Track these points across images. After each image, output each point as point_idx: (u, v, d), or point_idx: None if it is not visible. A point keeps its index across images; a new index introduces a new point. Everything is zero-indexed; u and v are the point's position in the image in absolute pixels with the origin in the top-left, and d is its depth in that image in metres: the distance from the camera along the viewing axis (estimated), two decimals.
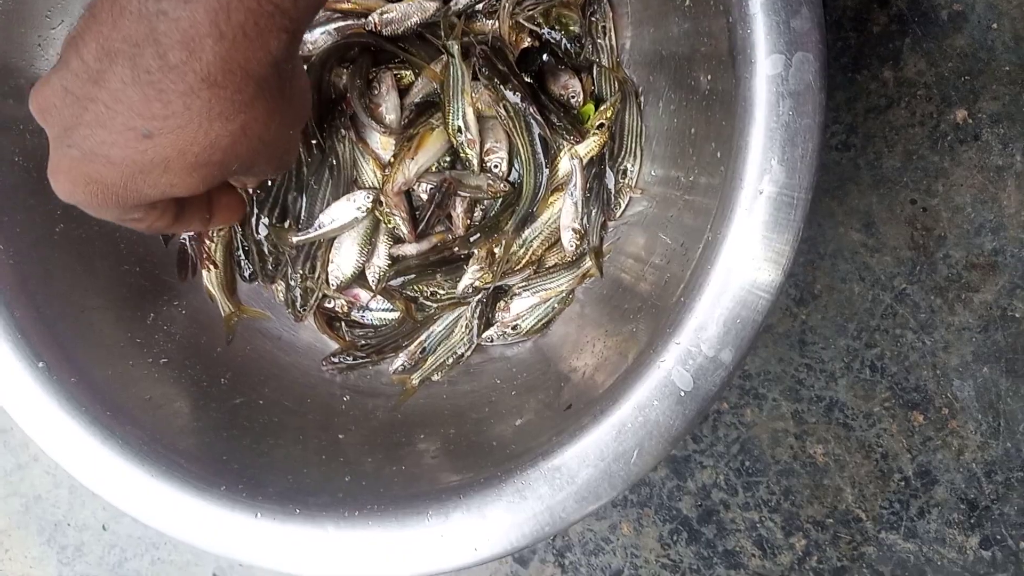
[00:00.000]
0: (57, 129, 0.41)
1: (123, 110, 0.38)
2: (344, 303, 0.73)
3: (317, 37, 0.70)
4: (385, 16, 0.68)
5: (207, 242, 0.72)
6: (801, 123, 0.53)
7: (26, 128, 0.63)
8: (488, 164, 0.70)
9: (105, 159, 0.39)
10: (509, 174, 0.71)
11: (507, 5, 0.66)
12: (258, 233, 0.72)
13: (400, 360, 0.71)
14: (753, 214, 0.52)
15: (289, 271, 0.71)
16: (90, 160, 0.40)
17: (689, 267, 0.57)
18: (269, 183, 0.70)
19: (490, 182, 0.69)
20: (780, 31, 0.52)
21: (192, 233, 0.72)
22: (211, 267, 0.73)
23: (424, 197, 0.71)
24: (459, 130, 0.68)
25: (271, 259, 0.73)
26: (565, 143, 0.68)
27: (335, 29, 0.70)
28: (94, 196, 0.41)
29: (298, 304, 0.71)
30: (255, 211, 0.71)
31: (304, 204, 0.71)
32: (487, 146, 0.70)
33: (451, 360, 0.71)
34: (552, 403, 0.61)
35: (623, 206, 0.69)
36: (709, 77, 0.59)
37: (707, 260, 0.54)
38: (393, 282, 0.70)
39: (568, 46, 0.69)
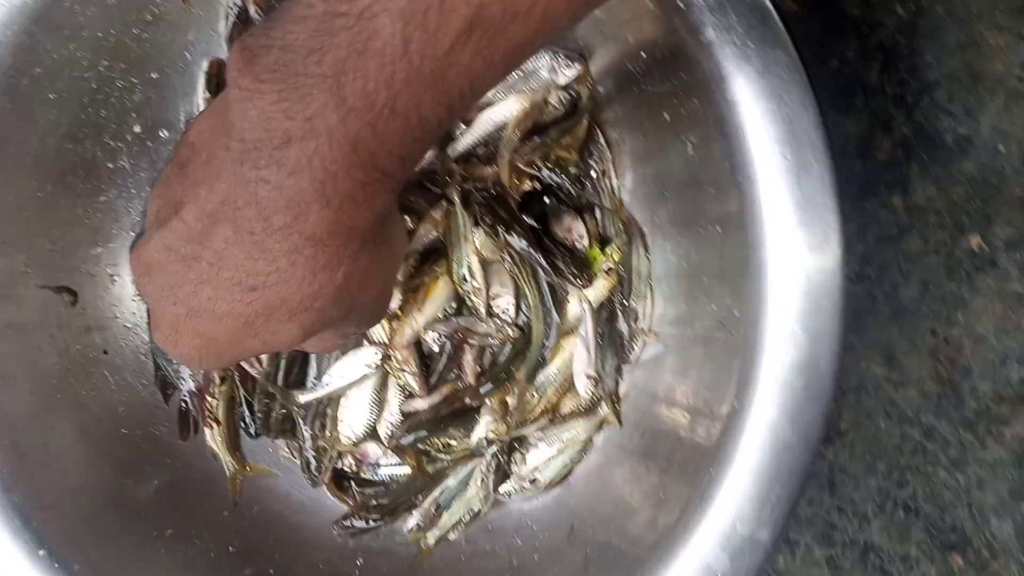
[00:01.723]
0: (160, 287, 0.41)
1: (228, 267, 0.38)
2: (353, 461, 0.70)
3: None
4: None
5: (208, 399, 0.70)
6: (823, 287, 0.52)
7: None
8: (495, 310, 0.68)
9: (210, 314, 0.40)
10: (517, 317, 0.69)
11: (505, 153, 0.65)
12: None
13: (414, 518, 0.68)
14: (780, 390, 0.51)
15: (300, 431, 0.69)
16: (195, 315, 0.40)
17: (715, 429, 0.55)
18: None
19: (499, 328, 0.68)
20: (796, 184, 0.51)
21: (193, 389, 0.70)
22: (213, 424, 0.70)
23: (435, 347, 0.69)
24: (464, 279, 0.66)
25: (276, 413, 0.70)
26: (573, 287, 0.66)
27: None
28: (198, 350, 0.42)
29: (313, 468, 0.68)
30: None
31: (313, 360, 0.69)
32: (493, 291, 0.68)
33: (468, 517, 0.68)
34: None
35: (638, 350, 0.67)
36: (718, 228, 0.58)
37: (735, 430, 0.52)
38: (404, 439, 0.67)
39: (569, 188, 0.68)
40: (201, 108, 0.69)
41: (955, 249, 0.69)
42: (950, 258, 0.69)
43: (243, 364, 0.70)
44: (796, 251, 0.51)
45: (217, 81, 0.68)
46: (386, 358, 0.67)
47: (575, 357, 0.67)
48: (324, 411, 0.68)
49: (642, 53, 0.59)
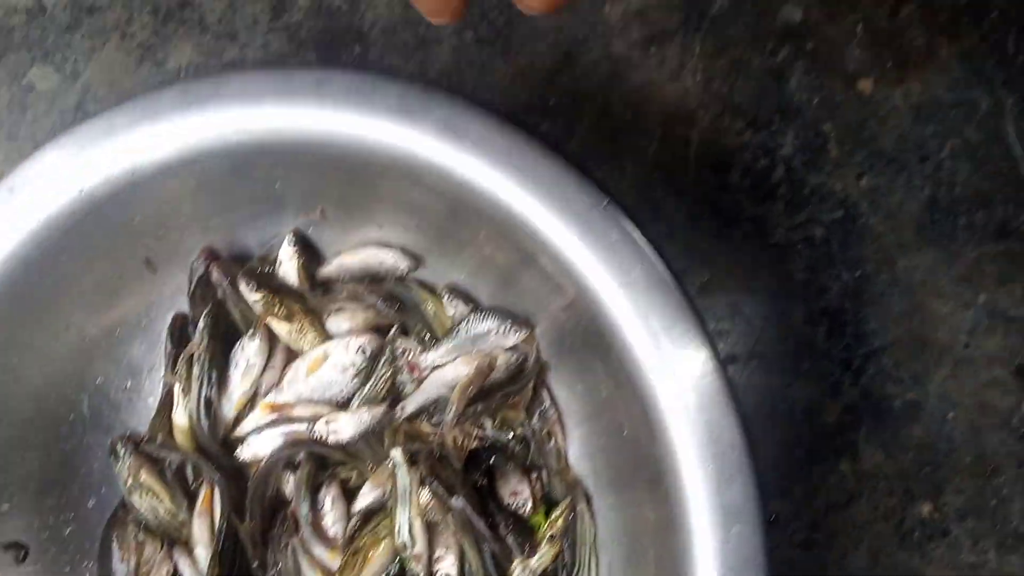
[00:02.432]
0: None
1: None
2: None
3: (264, 442, 0.70)
4: (331, 425, 0.68)
5: None
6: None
7: None
8: (437, 573, 0.67)
9: None
10: None
11: (451, 419, 0.66)
12: None
13: None
14: None
15: None
16: None
17: None
18: None
19: None
20: (714, 506, 0.52)
21: None
22: None
23: None
24: (405, 545, 0.66)
25: None
26: (516, 555, 0.66)
27: (280, 433, 0.70)
28: None
29: None
30: None
31: None
32: (436, 554, 0.67)
33: None
34: None
35: None
36: (651, 515, 0.58)
37: None
38: None
39: (515, 448, 0.68)
40: (163, 359, 0.71)
41: (906, 517, 0.68)
42: (900, 526, 0.68)
43: None
44: (722, 563, 0.51)
45: (180, 334, 0.71)
46: None
47: None
48: None
49: (577, 333, 0.61)
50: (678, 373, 0.53)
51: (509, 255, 0.62)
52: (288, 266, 0.69)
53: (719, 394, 0.52)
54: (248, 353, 0.70)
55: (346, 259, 0.70)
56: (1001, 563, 0.68)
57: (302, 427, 0.69)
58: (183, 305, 0.70)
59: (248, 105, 0.57)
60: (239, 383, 0.70)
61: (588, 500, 0.67)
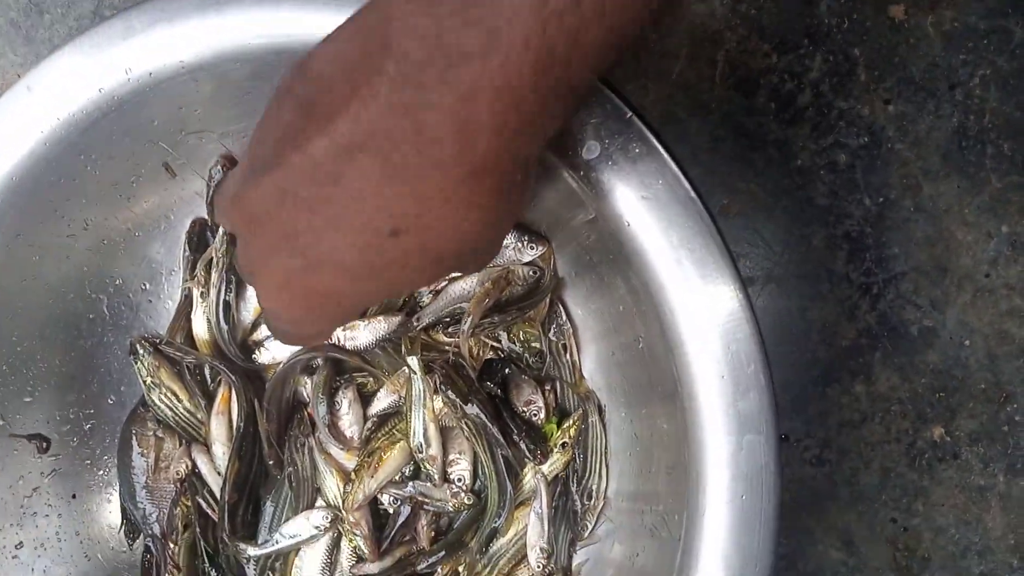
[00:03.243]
0: (273, 238, 0.35)
1: (366, 209, 0.33)
2: None
3: (282, 347, 0.70)
4: (349, 332, 0.69)
5: (171, 545, 0.71)
6: (755, 507, 0.51)
7: None
8: (451, 475, 0.69)
9: (335, 265, 0.34)
10: (474, 484, 0.69)
11: (466, 329, 0.66)
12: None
13: None
14: None
15: None
16: (315, 269, 0.35)
17: None
18: (227, 497, 0.69)
19: (454, 494, 0.68)
20: (728, 415, 0.52)
21: (157, 534, 0.71)
22: (175, 570, 0.71)
23: (390, 509, 0.70)
24: (420, 447, 0.67)
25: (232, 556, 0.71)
26: (529, 461, 0.67)
27: None
28: (312, 311, 0.37)
29: None
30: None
31: (266, 514, 0.70)
32: (450, 457, 0.69)
33: None
34: None
35: (591, 527, 0.67)
36: (665, 426, 0.59)
37: None
38: None
39: (530, 360, 0.69)
40: (182, 264, 0.71)
41: (917, 439, 0.69)
42: (912, 447, 0.69)
43: (202, 504, 0.71)
44: (731, 477, 0.51)
45: (198, 240, 0.71)
46: (338, 520, 0.68)
47: (529, 529, 0.67)
48: (273, 565, 0.69)
49: (597, 250, 0.60)
50: (697, 288, 0.53)
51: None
52: None
53: (738, 309, 0.52)
54: None
55: None
56: (1010, 486, 0.68)
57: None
58: (202, 210, 0.70)
59: (267, 8, 0.56)
60: None
61: (601, 411, 0.67)
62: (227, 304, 0.70)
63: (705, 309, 0.52)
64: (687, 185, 0.53)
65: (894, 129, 0.69)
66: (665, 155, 0.53)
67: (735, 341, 0.52)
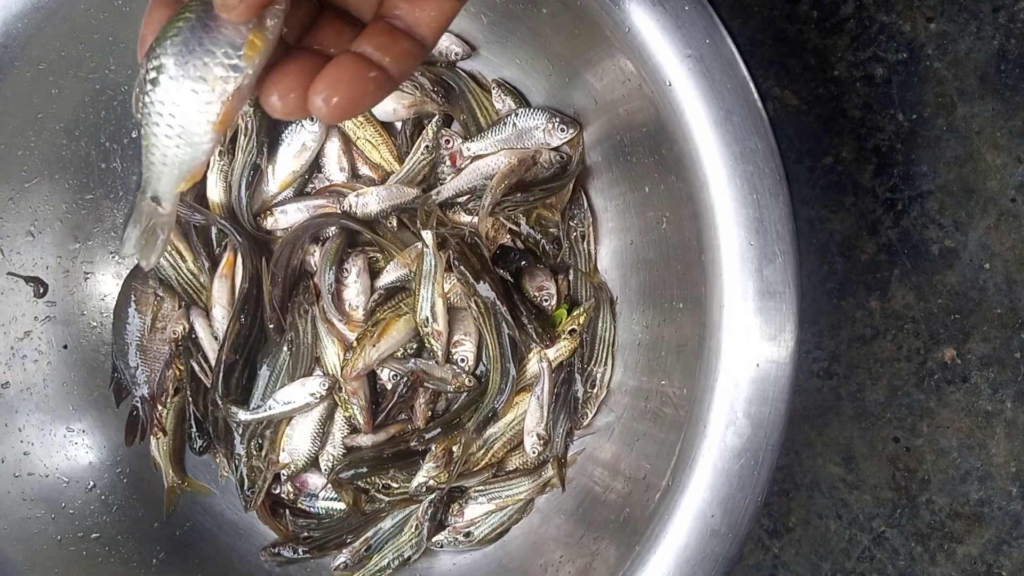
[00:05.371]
0: None
1: None
2: (291, 489, 0.69)
3: (291, 213, 0.69)
4: (362, 198, 0.67)
5: (159, 408, 0.70)
6: (772, 377, 0.50)
7: None
8: (455, 356, 0.67)
9: None
10: (476, 368, 0.68)
11: (486, 203, 0.65)
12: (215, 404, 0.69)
13: (343, 557, 0.67)
14: (714, 474, 0.49)
15: (236, 447, 0.68)
16: None
17: (650, 505, 0.54)
18: (223, 357, 0.67)
19: (455, 375, 0.67)
20: (757, 271, 0.51)
21: (146, 395, 0.70)
22: (160, 434, 0.70)
23: (388, 385, 0.69)
24: (426, 321, 0.66)
25: (221, 421, 0.70)
26: (535, 345, 0.66)
27: (311, 206, 0.69)
28: None
29: (245, 486, 0.67)
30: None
31: (261, 379, 0.69)
32: (455, 338, 0.67)
33: (397, 563, 0.66)
34: None
35: (591, 416, 0.66)
36: (681, 305, 0.58)
37: (667, 508, 0.51)
38: (344, 474, 0.66)
39: (547, 246, 0.67)
40: None
41: (928, 359, 0.68)
42: (921, 367, 0.68)
43: (195, 369, 0.70)
44: (750, 338, 0.51)
45: None
46: (335, 388, 0.66)
47: (528, 414, 0.66)
48: (263, 432, 0.68)
49: (631, 127, 0.59)
50: (732, 153, 0.52)
51: (570, 41, 0.60)
52: None
53: (769, 166, 0.51)
54: (305, 137, 0.68)
55: None
56: (1016, 413, 0.67)
57: (333, 205, 0.69)
58: None
59: None
60: (289, 162, 0.69)
61: (612, 302, 0.66)
62: (256, 167, 0.68)
63: (738, 175, 0.51)
64: (732, 47, 0.52)
65: (934, 47, 0.69)
66: (714, 15, 0.52)
67: (767, 208, 0.51)
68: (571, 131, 0.65)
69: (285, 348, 0.68)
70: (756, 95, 0.52)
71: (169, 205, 0.38)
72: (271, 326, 0.68)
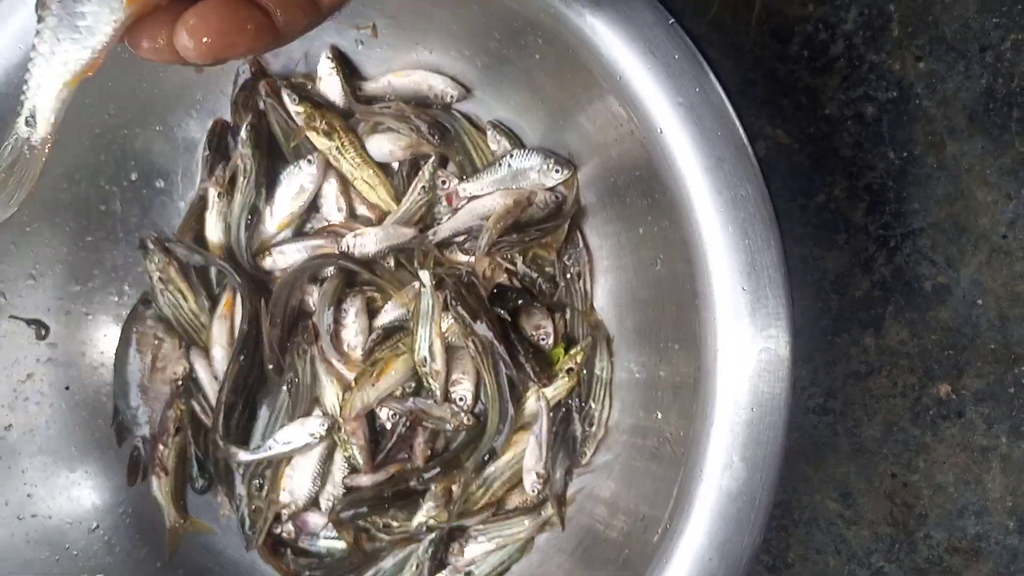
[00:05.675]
0: None
1: None
2: (292, 529, 0.69)
3: (290, 254, 0.70)
4: (359, 239, 0.68)
5: (161, 447, 0.70)
6: (766, 421, 0.51)
7: None
8: (453, 395, 0.68)
9: None
10: (475, 407, 0.69)
11: (483, 244, 0.66)
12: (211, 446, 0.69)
13: None
14: (711, 518, 0.50)
15: (236, 487, 0.68)
16: None
17: (649, 545, 0.54)
18: (223, 398, 0.68)
19: (454, 414, 0.67)
20: (750, 316, 0.51)
21: (147, 435, 0.70)
22: (162, 474, 0.70)
23: (387, 424, 0.69)
24: (424, 361, 0.66)
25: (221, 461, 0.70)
26: (533, 384, 0.66)
27: (309, 247, 0.70)
28: None
29: (247, 527, 0.68)
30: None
31: (261, 420, 0.69)
32: (453, 377, 0.68)
33: None
34: None
35: (589, 454, 0.66)
36: (676, 346, 0.58)
37: (666, 550, 0.51)
38: (344, 514, 0.67)
39: (543, 285, 0.68)
40: (200, 164, 0.71)
41: (923, 395, 0.69)
42: (917, 403, 0.69)
43: (196, 409, 0.70)
44: (744, 382, 0.51)
45: (218, 141, 0.70)
46: (334, 428, 0.67)
47: (527, 453, 0.67)
48: (263, 472, 0.68)
49: (623, 169, 0.60)
50: (724, 200, 0.52)
51: (563, 84, 0.61)
52: (328, 82, 0.68)
53: (761, 212, 0.51)
54: (303, 179, 0.69)
55: (394, 78, 0.69)
56: (1012, 448, 0.68)
57: (331, 246, 0.69)
58: (226, 111, 0.70)
59: None
60: (287, 204, 0.70)
61: (609, 341, 0.67)
62: (254, 208, 0.69)
63: (730, 219, 0.52)
64: (721, 94, 0.53)
65: (923, 86, 0.70)
66: (703, 63, 0.53)
67: (759, 253, 0.52)
68: (566, 172, 0.66)
69: (284, 388, 0.68)
70: (746, 142, 0.53)
71: (45, 126, 0.34)
72: (270, 367, 0.68)
